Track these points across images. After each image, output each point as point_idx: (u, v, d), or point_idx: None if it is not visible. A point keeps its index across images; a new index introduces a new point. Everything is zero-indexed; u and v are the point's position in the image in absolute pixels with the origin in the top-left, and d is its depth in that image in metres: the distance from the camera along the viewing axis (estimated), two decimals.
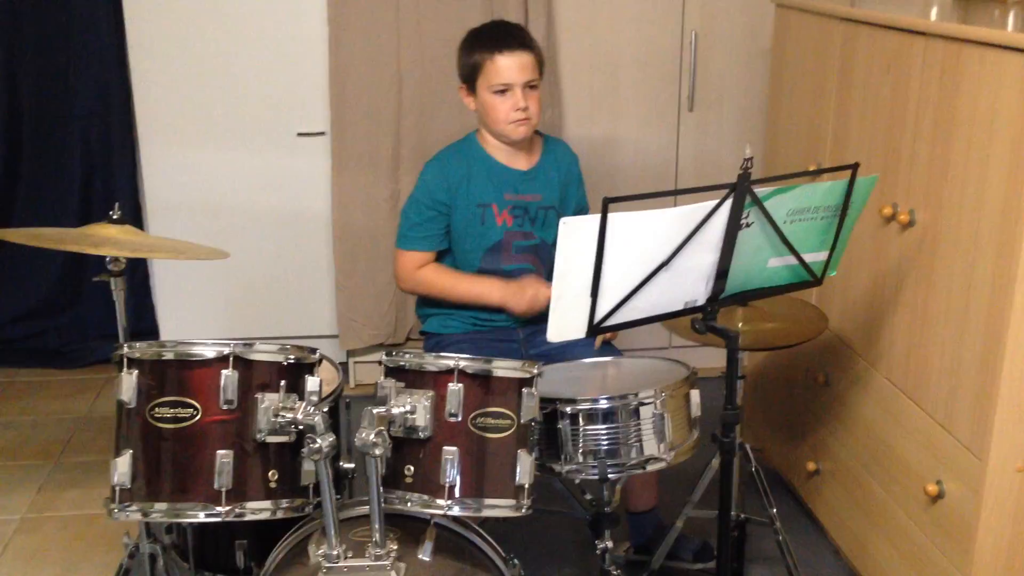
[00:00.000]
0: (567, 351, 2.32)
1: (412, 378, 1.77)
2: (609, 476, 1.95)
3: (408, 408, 1.72)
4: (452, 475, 1.74)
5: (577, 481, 2.19)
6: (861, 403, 2.45)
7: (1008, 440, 1.92)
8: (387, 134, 3.45)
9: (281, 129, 3.49)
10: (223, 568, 2.11)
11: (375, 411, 1.68)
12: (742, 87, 3.54)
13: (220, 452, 1.69)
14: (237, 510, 1.70)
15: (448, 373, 1.75)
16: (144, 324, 3.81)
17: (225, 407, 1.69)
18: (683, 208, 1.74)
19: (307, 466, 1.75)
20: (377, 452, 1.65)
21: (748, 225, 1.81)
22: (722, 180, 1.75)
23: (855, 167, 1.89)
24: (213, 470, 1.68)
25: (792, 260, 1.92)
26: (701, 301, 1.87)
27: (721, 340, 1.86)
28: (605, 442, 1.93)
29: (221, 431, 1.70)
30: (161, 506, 1.70)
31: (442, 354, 1.79)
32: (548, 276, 2.42)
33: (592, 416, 1.93)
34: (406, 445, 1.76)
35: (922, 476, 2.16)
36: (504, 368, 1.78)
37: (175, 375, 1.70)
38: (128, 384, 1.69)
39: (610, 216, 1.66)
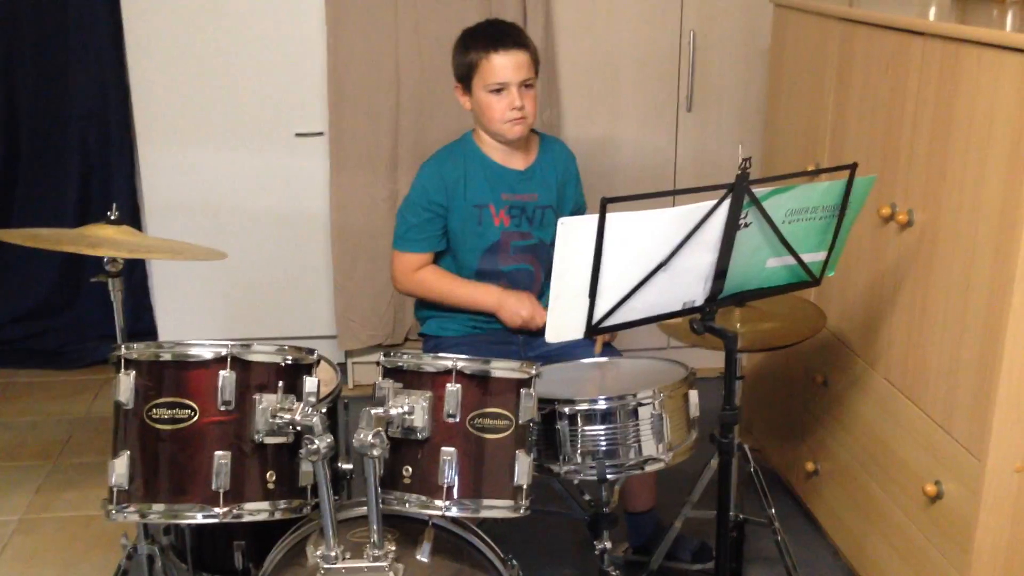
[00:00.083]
0: (566, 354, 2.31)
1: (410, 379, 1.77)
2: (608, 477, 1.94)
3: (406, 409, 1.72)
4: (450, 476, 1.74)
5: (576, 482, 2.19)
6: (860, 403, 2.45)
7: (1006, 440, 1.92)
8: (385, 134, 3.45)
9: (279, 129, 3.49)
10: (221, 569, 2.11)
11: (373, 412, 1.68)
12: (741, 87, 3.53)
13: (218, 453, 1.68)
14: (235, 511, 1.70)
15: (446, 374, 1.75)
16: (142, 325, 3.81)
17: (223, 408, 1.69)
18: (681, 208, 1.74)
19: (305, 467, 1.74)
20: (375, 453, 1.64)
21: (746, 225, 1.81)
22: (721, 180, 1.75)
23: (853, 167, 1.89)
24: (211, 471, 1.68)
25: (790, 260, 1.92)
26: (699, 301, 1.87)
27: (719, 341, 1.86)
28: (604, 443, 1.93)
29: (219, 432, 1.69)
30: (159, 507, 1.70)
31: (440, 355, 1.78)
32: (546, 276, 2.43)
33: (590, 417, 1.93)
34: (404, 446, 1.76)
35: (921, 476, 2.16)
36: (502, 369, 1.77)
37: (173, 376, 1.70)
38: (126, 385, 1.68)
39: (608, 216, 1.66)
